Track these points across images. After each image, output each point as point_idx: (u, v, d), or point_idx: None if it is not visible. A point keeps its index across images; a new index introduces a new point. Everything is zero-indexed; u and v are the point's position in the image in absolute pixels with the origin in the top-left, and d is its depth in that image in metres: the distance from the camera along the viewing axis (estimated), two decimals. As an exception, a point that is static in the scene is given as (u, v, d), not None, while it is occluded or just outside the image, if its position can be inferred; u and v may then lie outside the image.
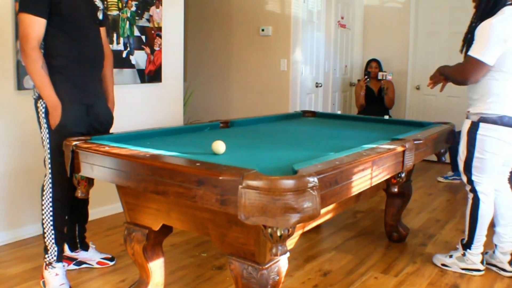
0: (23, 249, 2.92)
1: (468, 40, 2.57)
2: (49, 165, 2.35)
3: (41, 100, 2.29)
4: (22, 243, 3.01)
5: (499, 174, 2.69)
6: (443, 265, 2.76)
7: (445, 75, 2.70)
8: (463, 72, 2.50)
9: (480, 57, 2.41)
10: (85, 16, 2.40)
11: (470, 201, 2.67)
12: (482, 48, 2.40)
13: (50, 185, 2.36)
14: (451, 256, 2.76)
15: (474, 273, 2.68)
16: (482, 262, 2.69)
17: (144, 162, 1.75)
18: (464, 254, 2.70)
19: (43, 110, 2.29)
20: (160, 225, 2.04)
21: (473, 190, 2.64)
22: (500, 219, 2.72)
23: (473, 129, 2.56)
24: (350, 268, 2.77)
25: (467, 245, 2.70)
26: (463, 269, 2.70)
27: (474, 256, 2.68)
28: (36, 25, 2.19)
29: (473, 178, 2.62)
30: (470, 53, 2.44)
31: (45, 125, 2.31)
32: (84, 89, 2.39)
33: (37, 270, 2.58)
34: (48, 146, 2.33)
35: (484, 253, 2.73)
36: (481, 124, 2.53)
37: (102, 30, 2.56)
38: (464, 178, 2.68)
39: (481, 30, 2.43)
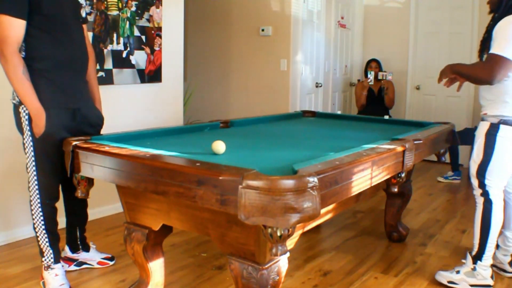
0: (23, 249, 2.92)
1: (485, 40, 2.48)
2: (34, 172, 2.26)
3: (23, 106, 2.18)
4: (21, 243, 3.01)
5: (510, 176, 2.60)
6: (450, 282, 2.54)
7: (460, 74, 2.52)
8: (487, 71, 2.32)
9: (503, 53, 2.27)
10: (68, 14, 2.26)
11: (480, 207, 2.50)
12: (505, 45, 2.28)
13: (37, 191, 2.29)
14: (458, 272, 2.54)
15: None
16: (492, 277, 2.51)
17: (144, 162, 1.75)
18: (474, 269, 2.50)
19: (26, 117, 2.19)
20: (160, 225, 2.04)
21: (485, 194, 2.48)
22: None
23: (493, 130, 2.42)
24: (350, 268, 2.77)
25: (477, 257, 2.50)
26: (472, 286, 2.50)
27: (485, 269, 2.50)
28: (15, 27, 2.06)
29: (486, 182, 2.46)
30: (493, 51, 2.30)
31: (29, 132, 2.22)
32: (70, 93, 2.29)
33: (36, 270, 2.58)
34: (33, 153, 2.24)
35: (492, 265, 2.60)
36: (502, 126, 2.40)
37: (84, 28, 2.45)
38: (475, 182, 2.52)
39: (501, 28, 2.32)
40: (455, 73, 2.54)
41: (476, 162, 2.50)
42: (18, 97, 2.18)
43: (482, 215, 2.50)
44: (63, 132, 2.25)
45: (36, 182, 2.28)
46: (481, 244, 2.50)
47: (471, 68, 2.49)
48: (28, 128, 2.21)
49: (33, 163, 2.26)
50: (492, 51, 2.31)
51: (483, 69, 2.37)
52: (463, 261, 2.60)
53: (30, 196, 2.32)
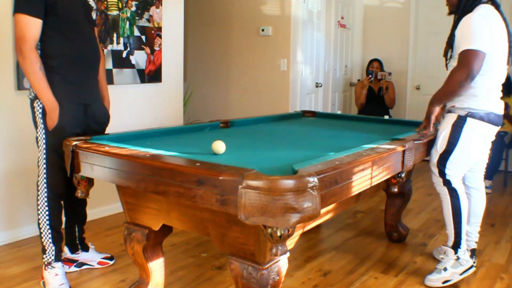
0: (23, 249, 2.92)
1: (449, 37, 2.51)
2: (44, 165, 2.34)
3: (38, 100, 2.28)
4: (22, 243, 3.01)
5: (474, 171, 2.68)
6: (445, 281, 2.54)
7: (440, 100, 2.54)
8: (465, 69, 2.33)
9: (472, 46, 2.32)
10: (81, 16, 2.38)
11: (447, 197, 2.55)
12: (471, 39, 2.33)
13: (45, 185, 2.35)
14: (445, 269, 2.55)
15: (470, 271, 2.57)
16: (471, 256, 2.58)
17: (144, 162, 1.75)
18: (458, 258, 2.54)
19: (40, 110, 2.29)
20: (160, 225, 2.04)
21: (447, 183, 2.55)
22: (472, 218, 2.68)
23: (460, 122, 2.48)
24: (350, 268, 2.77)
25: (456, 245, 2.55)
26: (462, 274, 2.55)
27: (465, 253, 2.56)
28: (33, 26, 2.18)
29: (447, 171, 2.53)
30: (463, 48, 2.36)
31: (42, 126, 2.31)
32: (81, 89, 2.39)
33: (37, 270, 2.58)
34: (44, 146, 2.32)
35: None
36: (469, 119, 2.45)
37: (95, 30, 2.54)
38: (436, 171, 2.58)
39: (463, 25, 2.39)
40: (435, 105, 2.58)
41: (438, 152, 2.57)
42: (34, 92, 2.27)
43: (451, 205, 2.56)
44: (74, 127, 2.35)
45: (45, 176, 2.35)
46: (456, 232, 2.56)
47: (447, 82, 2.46)
48: (41, 121, 2.30)
49: (44, 157, 2.33)
50: (462, 48, 2.37)
51: (459, 70, 2.37)
52: (441, 257, 2.63)
53: (38, 191, 2.37)
